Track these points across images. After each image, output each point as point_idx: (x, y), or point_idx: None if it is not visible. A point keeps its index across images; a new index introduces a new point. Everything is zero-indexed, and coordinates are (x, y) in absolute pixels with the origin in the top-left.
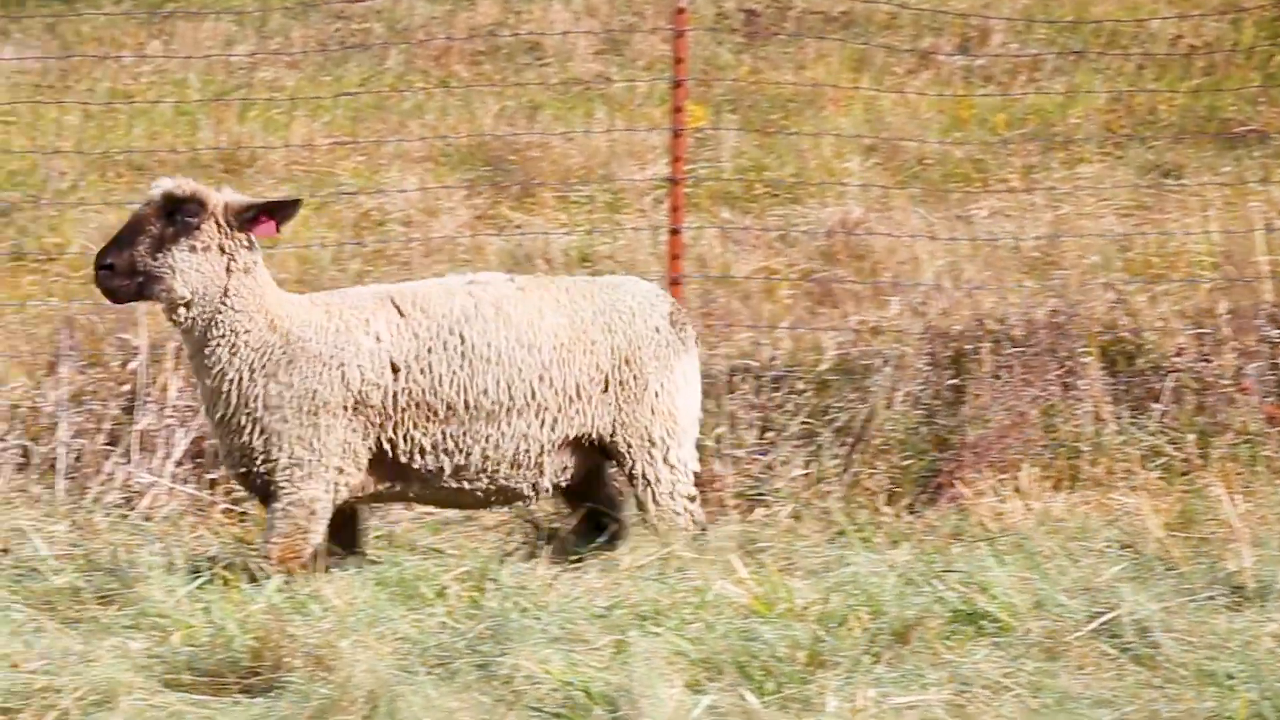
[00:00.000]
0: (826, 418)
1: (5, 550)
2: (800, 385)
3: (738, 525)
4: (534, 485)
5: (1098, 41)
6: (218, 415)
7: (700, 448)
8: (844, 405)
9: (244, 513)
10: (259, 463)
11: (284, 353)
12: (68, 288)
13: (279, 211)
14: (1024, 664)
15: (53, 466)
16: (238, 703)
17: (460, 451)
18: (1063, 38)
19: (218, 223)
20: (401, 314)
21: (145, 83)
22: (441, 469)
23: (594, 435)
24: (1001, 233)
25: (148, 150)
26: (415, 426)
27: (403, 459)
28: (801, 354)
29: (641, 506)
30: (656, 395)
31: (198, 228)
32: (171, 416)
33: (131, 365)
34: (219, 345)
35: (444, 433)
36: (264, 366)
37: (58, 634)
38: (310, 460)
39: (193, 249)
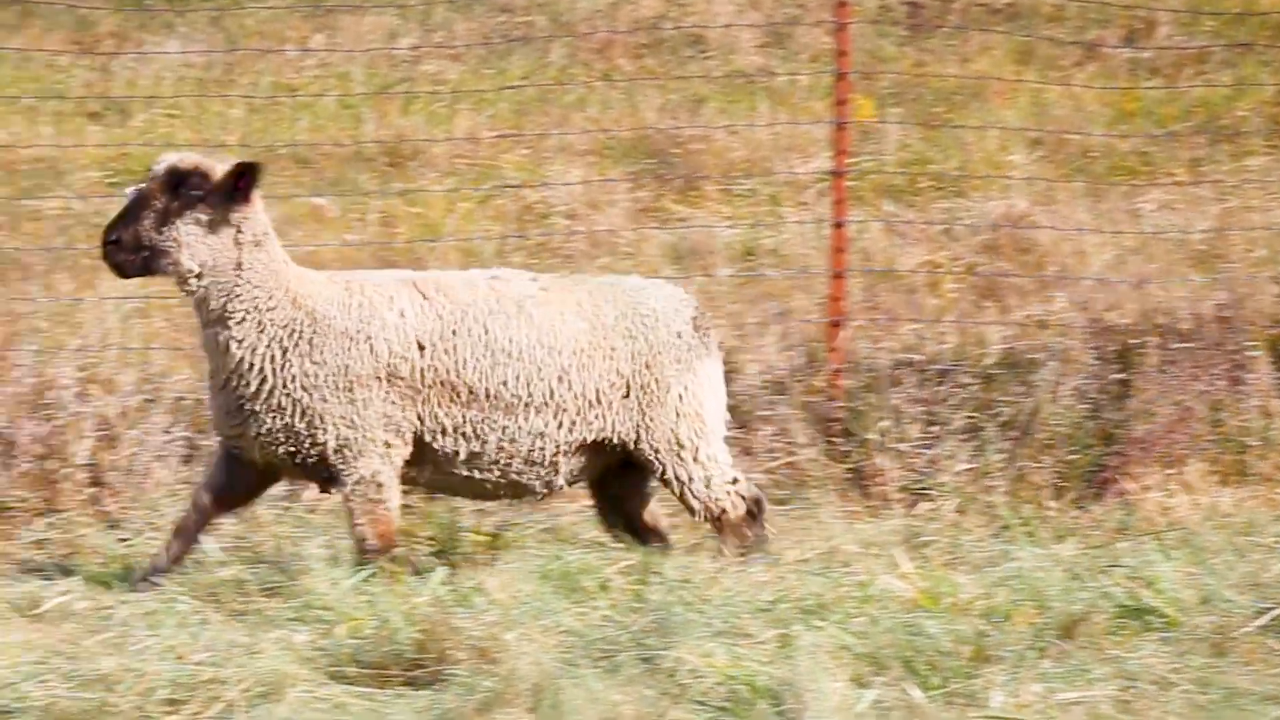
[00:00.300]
0: (991, 412)
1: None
2: (965, 379)
3: (902, 519)
4: (546, 483)
5: (1265, 33)
6: (245, 391)
7: (864, 441)
8: (1009, 399)
9: (408, 505)
10: (306, 445)
11: (313, 330)
12: None
13: (245, 175)
14: (1191, 660)
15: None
16: (402, 695)
17: (477, 438)
18: (1229, 30)
19: (222, 195)
20: (424, 296)
21: (309, 76)
22: (457, 453)
23: (616, 440)
24: (1168, 226)
25: (311, 144)
26: (439, 405)
27: (425, 437)
28: (966, 348)
29: (684, 505)
30: (680, 398)
31: (202, 199)
32: None
33: None
34: (245, 320)
35: (465, 416)
36: (296, 345)
37: (223, 626)
38: (357, 438)
39: (198, 221)
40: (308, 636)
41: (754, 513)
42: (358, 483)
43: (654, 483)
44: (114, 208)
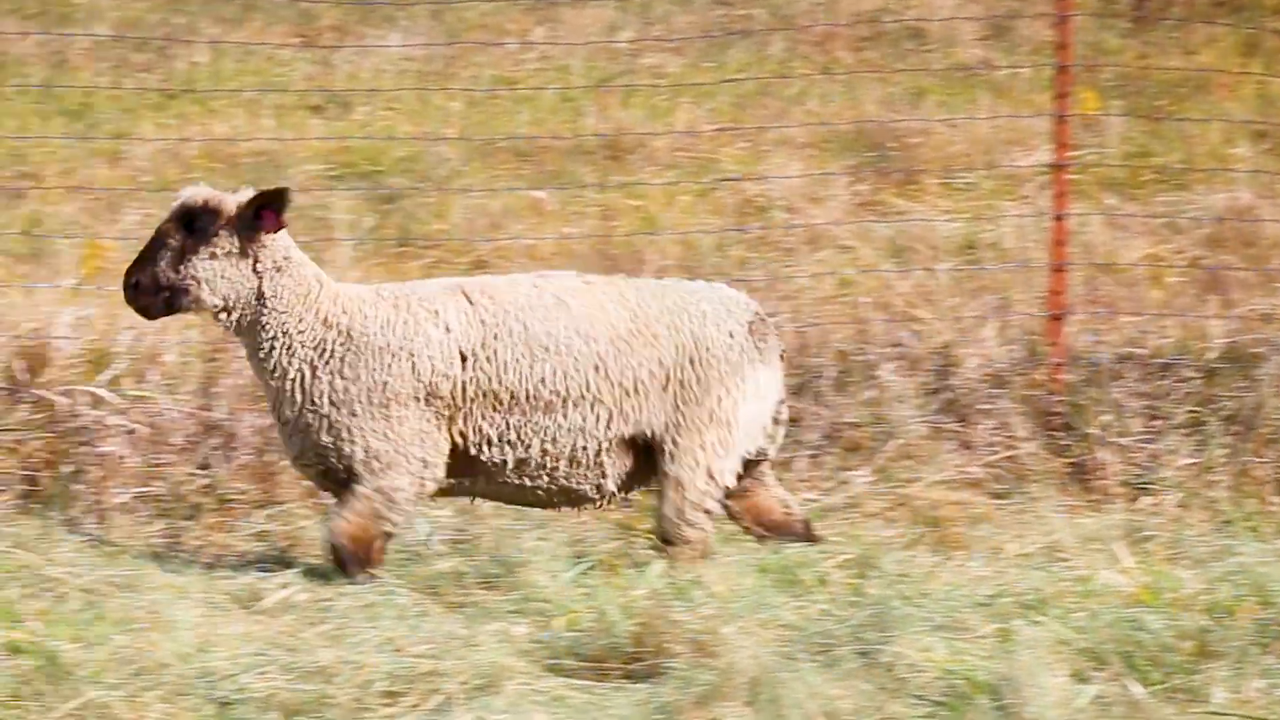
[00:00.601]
0: (1214, 406)
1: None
2: (1187, 373)
3: (1123, 514)
4: (597, 487)
5: None
6: (285, 416)
7: (1084, 436)
8: (1232, 394)
9: (625, 498)
10: (333, 459)
11: (346, 347)
12: (452, 274)
13: (272, 202)
14: None
15: None
16: (620, 688)
17: (521, 444)
18: None
19: (235, 228)
20: (470, 302)
21: (529, 69)
22: (505, 462)
23: (648, 433)
24: None
25: (530, 137)
26: (483, 416)
27: (472, 450)
28: (1188, 342)
29: (660, 504)
30: (719, 401)
31: (215, 234)
32: None
33: None
34: (274, 347)
35: (508, 423)
36: (326, 363)
37: (442, 618)
38: (388, 450)
39: (213, 256)
40: (526, 629)
41: (705, 554)
42: (376, 489)
43: (769, 470)
44: (334, 200)
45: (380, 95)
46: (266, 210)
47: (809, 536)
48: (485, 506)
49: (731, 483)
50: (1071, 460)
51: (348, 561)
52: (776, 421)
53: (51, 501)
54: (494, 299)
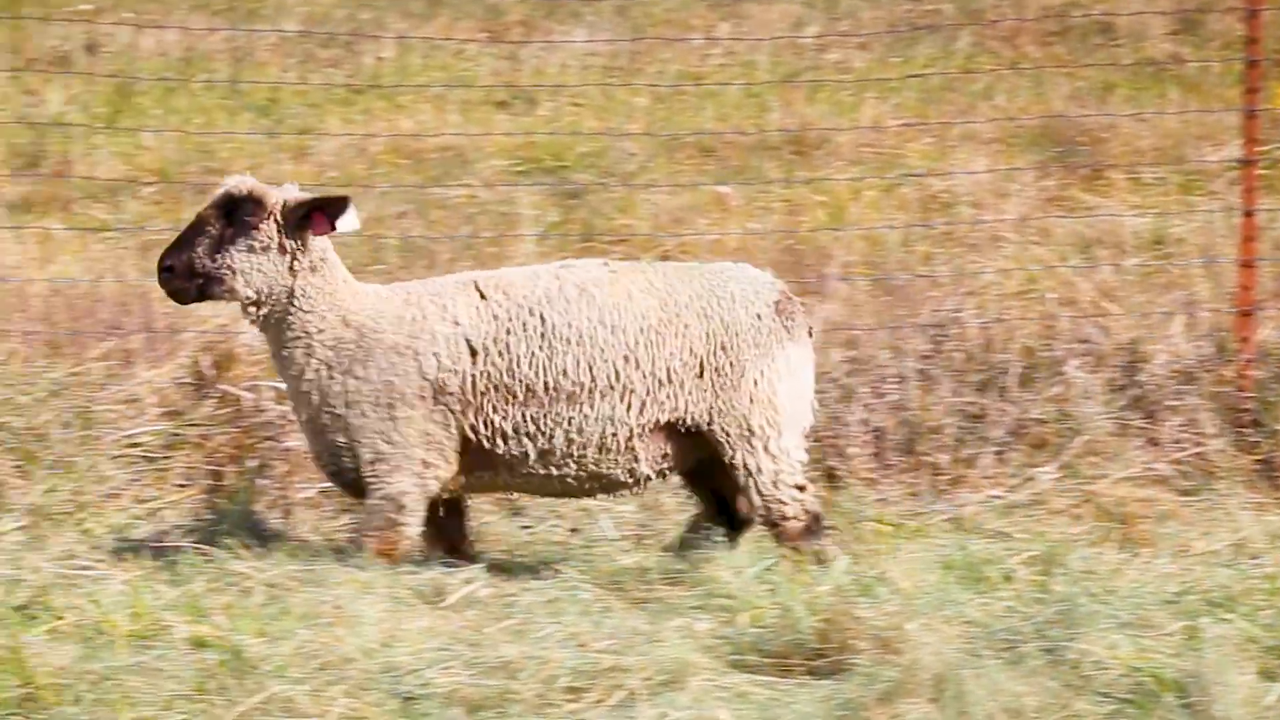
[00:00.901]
0: None
1: (575, 530)
2: None
3: None
4: (630, 471)
5: None
6: (304, 415)
7: (1274, 432)
8: None
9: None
10: (346, 460)
11: (359, 347)
12: None
13: (328, 207)
14: None
15: None
16: (804, 685)
17: (543, 435)
18: None
19: (277, 222)
20: (483, 297)
21: (714, 65)
22: (526, 454)
23: (689, 421)
24: None
25: (715, 133)
26: (495, 410)
27: (485, 445)
28: None
29: (748, 497)
30: (755, 383)
31: (255, 227)
32: None
33: None
34: (295, 346)
35: (524, 415)
36: (341, 363)
37: (625, 614)
38: (392, 454)
39: (251, 249)
40: (710, 625)
41: (811, 528)
42: (382, 497)
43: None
44: (519, 196)
45: (565, 91)
46: (319, 214)
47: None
48: (668, 501)
49: (802, 457)
50: (1260, 457)
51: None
52: None
53: (237, 496)
54: (508, 293)
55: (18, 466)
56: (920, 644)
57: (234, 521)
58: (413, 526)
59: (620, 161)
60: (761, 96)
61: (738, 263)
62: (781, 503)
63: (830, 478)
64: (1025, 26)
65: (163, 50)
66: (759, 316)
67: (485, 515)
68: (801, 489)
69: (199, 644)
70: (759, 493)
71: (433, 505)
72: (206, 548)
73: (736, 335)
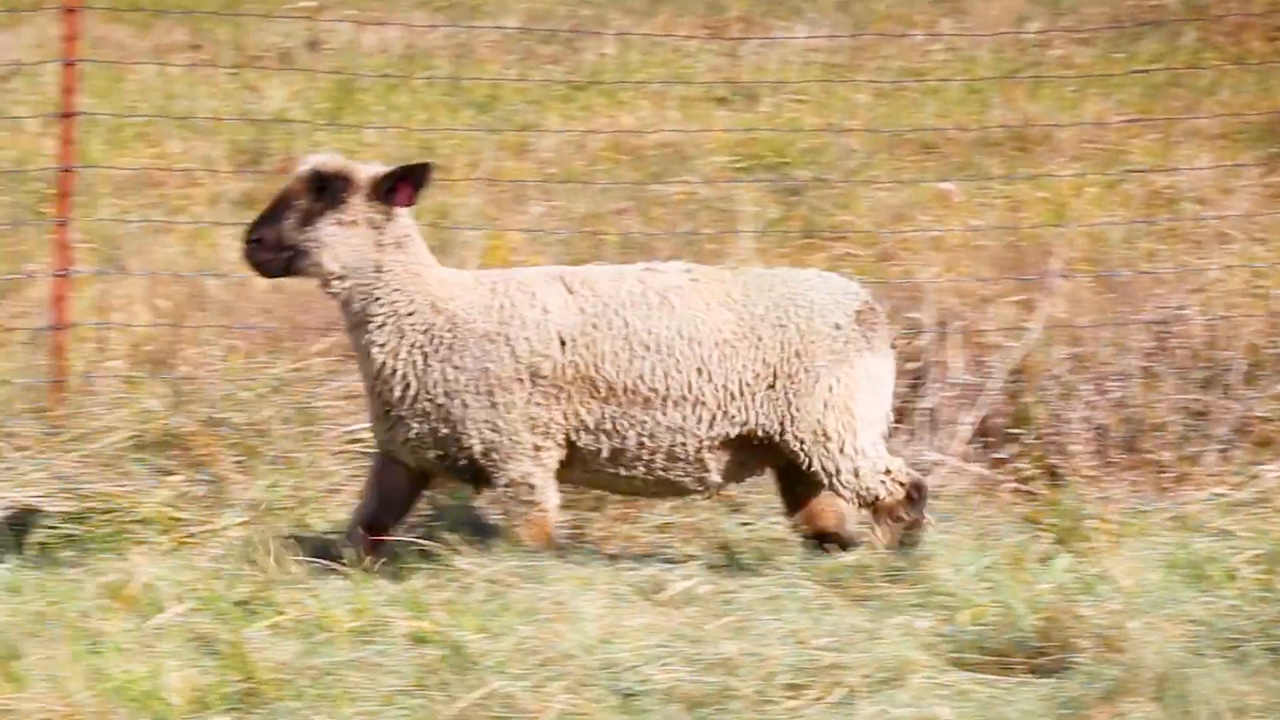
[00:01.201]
0: None
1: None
2: None
3: None
4: (700, 480)
5: None
6: (390, 397)
7: None
8: None
9: (1031, 492)
10: (454, 450)
11: (453, 335)
12: (857, 265)
13: (412, 177)
14: None
15: None
16: (1024, 683)
17: (617, 435)
18: None
19: (365, 197)
20: (570, 291)
21: (936, 61)
22: (600, 451)
23: (761, 433)
24: None
25: (936, 129)
26: (580, 402)
27: (570, 435)
28: None
29: (835, 494)
30: (831, 390)
31: (344, 202)
32: (959, 395)
33: (918, 343)
34: (384, 325)
35: (604, 413)
36: (437, 350)
37: (845, 611)
38: (502, 442)
39: (339, 223)
40: (930, 623)
41: (913, 497)
42: (508, 486)
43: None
44: (739, 192)
45: (786, 87)
46: (404, 183)
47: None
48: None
49: (881, 452)
50: None
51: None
52: None
53: (457, 492)
54: (594, 290)
55: (239, 462)
56: (1142, 643)
57: (454, 517)
58: (550, 503)
59: (841, 158)
60: (983, 92)
61: (825, 271)
62: (868, 488)
63: (1052, 475)
64: (1251, 21)
65: (384, 47)
66: (838, 325)
67: (704, 513)
68: (888, 472)
69: (419, 640)
70: (843, 486)
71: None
72: (427, 543)
73: (812, 343)
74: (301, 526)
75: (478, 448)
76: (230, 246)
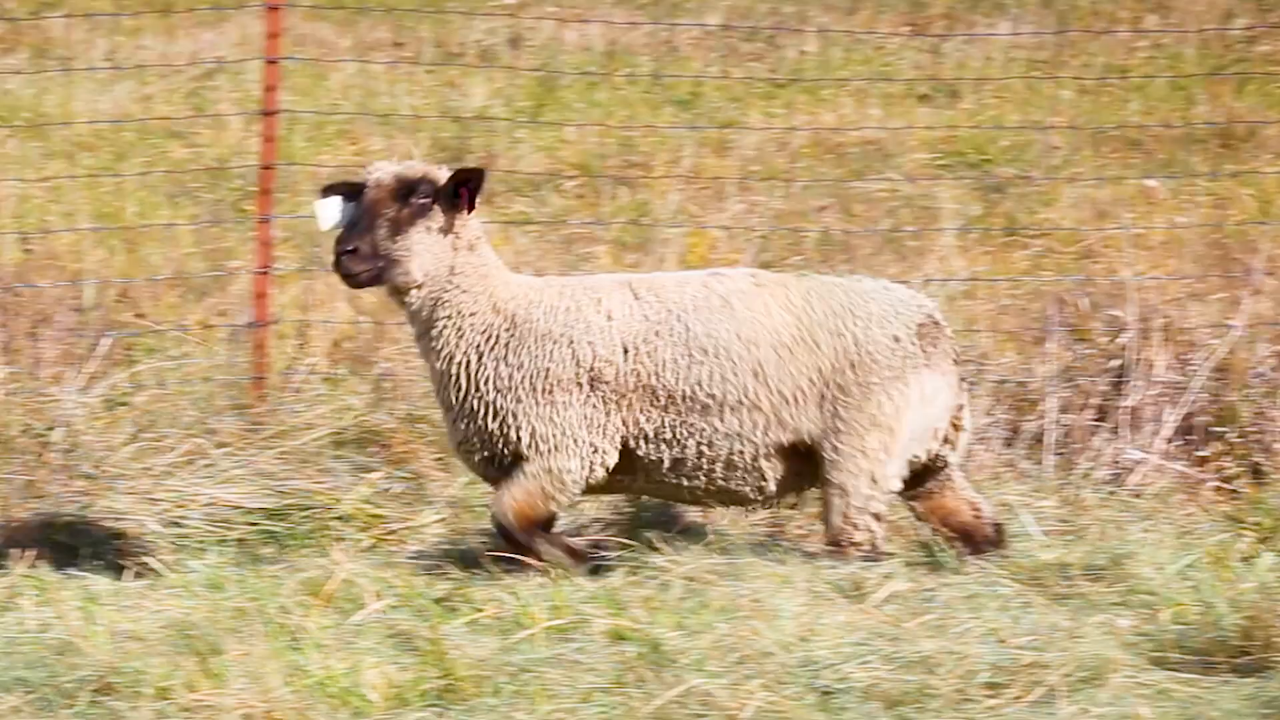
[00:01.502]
0: None
1: (996, 525)
2: None
3: None
4: (758, 489)
5: None
6: (448, 399)
7: None
8: None
9: (1234, 490)
10: (500, 446)
11: (511, 333)
12: (1059, 263)
13: (468, 181)
14: None
15: (1040, 442)
16: (1227, 682)
17: (678, 444)
18: None
19: (445, 201)
20: (636, 297)
21: (1140, 57)
22: (661, 460)
23: (808, 439)
24: None
25: (1141, 125)
26: (641, 411)
27: (630, 444)
28: None
29: (828, 514)
30: (880, 405)
31: (430, 208)
32: (1161, 393)
33: (1120, 340)
34: (445, 327)
35: (664, 421)
36: (492, 349)
37: (1045, 610)
38: (555, 434)
39: (427, 230)
40: (1131, 622)
41: (869, 558)
42: (544, 469)
43: (956, 473)
44: (941, 189)
45: (989, 84)
46: (464, 188)
47: (998, 540)
48: (1090, 497)
49: (897, 487)
50: None
51: (510, 539)
52: (957, 427)
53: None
54: (659, 297)
55: (438, 459)
56: None
57: (652, 515)
58: (558, 504)
59: (1043, 155)
60: (1188, 89)
61: (891, 282)
62: (857, 528)
63: (1255, 473)
64: None
65: (586, 44)
66: (896, 339)
67: (904, 511)
68: (878, 519)
69: (617, 637)
70: (844, 515)
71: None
72: (625, 541)
73: (869, 355)
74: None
75: (526, 439)
76: None
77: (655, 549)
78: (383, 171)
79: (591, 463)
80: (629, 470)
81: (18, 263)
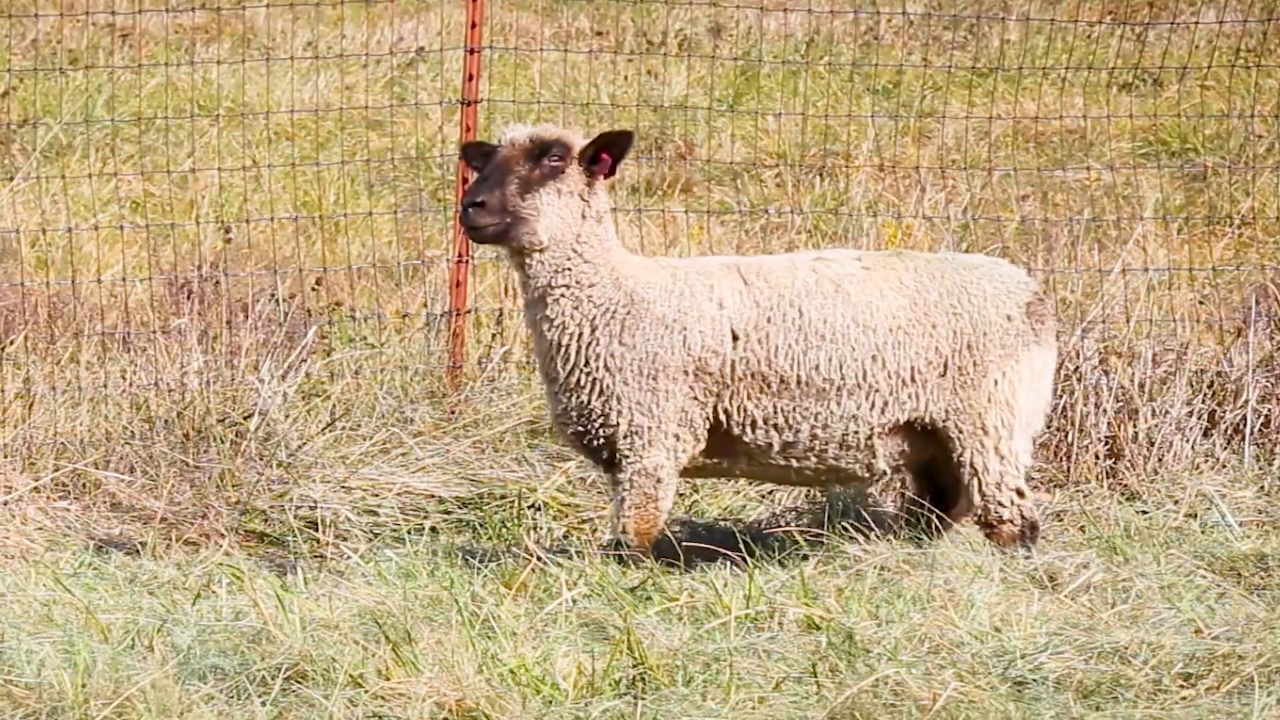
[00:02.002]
0: None
1: (1192, 515)
2: None
3: None
4: (868, 466)
5: None
6: (555, 371)
7: None
8: None
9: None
10: (597, 426)
11: (628, 312)
12: (1261, 252)
13: (613, 145)
14: None
15: (1239, 432)
16: None
17: (790, 428)
18: None
19: (579, 167)
20: (745, 282)
21: None
22: (770, 444)
23: (927, 419)
24: None
25: None
26: (749, 398)
27: (735, 430)
28: None
29: (968, 496)
30: (996, 384)
31: (563, 171)
32: None
33: None
34: (563, 297)
35: (776, 406)
36: (607, 325)
37: (1242, 600)
38: (650, 427)
39: (558, 193)
40: None
41: (1026, 535)
42: (638, 473)
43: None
44: (1143, 179)
45: (1194, 72)
46: (607, 152)
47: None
48: None
49: (1028, 461)
50: None
51: (634, 555)
52: None
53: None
54: (769, 282)
55: None
56: None
57: (845, 504)
58: (667, 500)
59: (1247, 144)
60: None
61: (995, 258)
62: (1001, 505)
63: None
64: None
65: (787, 33)
66: (1009, 318)
67: (1098, 501)
68: (1021, 495)
69: (810, 626)
70: (981, 493)
71: None
72: (818, 531)
73: (984, 335)
74: (695, 513)
75: (624, 428)
76: (628, 233)
77: (849, 538)
78: (518, 131)
79: (675, 451)
80: (730, 455)
81: (217, 251)
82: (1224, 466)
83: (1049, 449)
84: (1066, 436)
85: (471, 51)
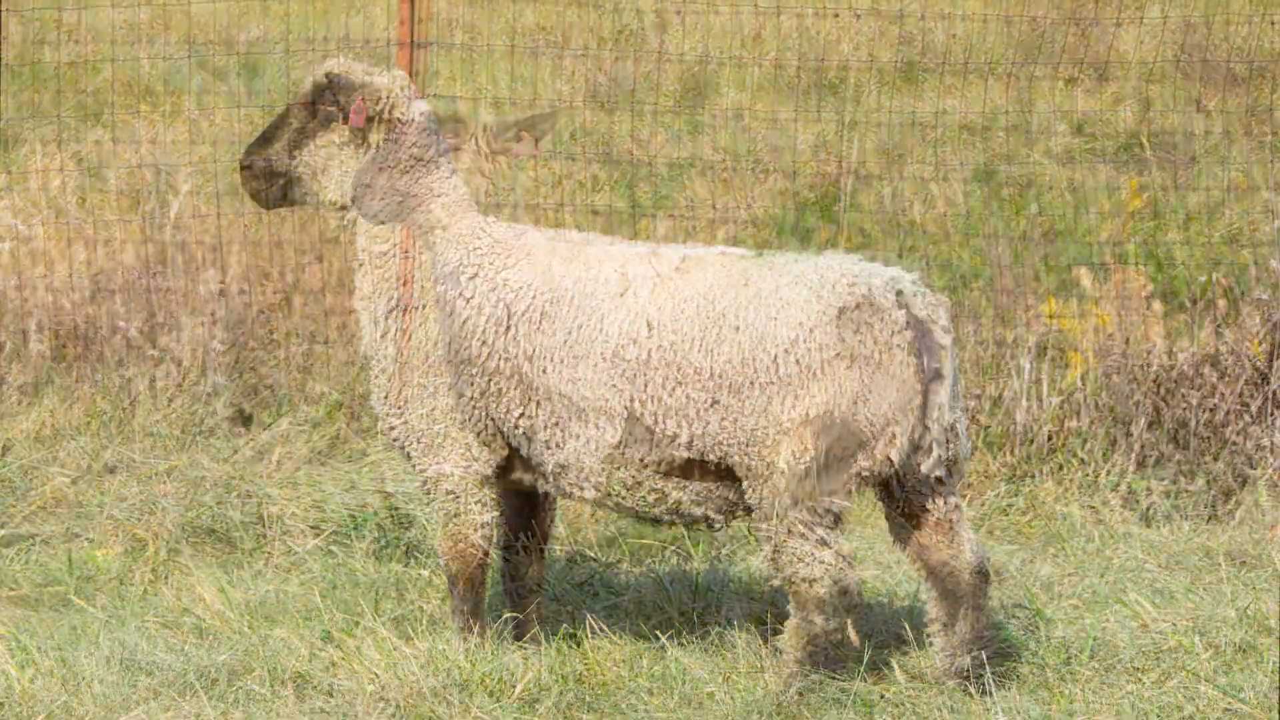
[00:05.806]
0: None
1: (1136, 509)
2: None
3: None
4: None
5: None
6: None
7: None
8: None
9: None
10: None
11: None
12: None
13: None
14: None
15: (1185, 426)
16: None
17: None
18: None
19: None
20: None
21: None
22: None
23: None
24: None
25: None
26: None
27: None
28: None
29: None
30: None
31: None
32: None
33: None
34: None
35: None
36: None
37: (1187, 594)
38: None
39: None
40: None
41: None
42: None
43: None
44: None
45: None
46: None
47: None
48: None
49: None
50: None
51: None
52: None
53: None
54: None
55: None
56: None
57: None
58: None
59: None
60: None
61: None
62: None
63: None
64: None
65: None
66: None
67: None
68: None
69: (759, 622)
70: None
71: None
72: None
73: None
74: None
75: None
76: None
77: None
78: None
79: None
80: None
81: (158, 248)
82: (1169, 461)
83: (996, 443)
84: (1009, 431)
85: (401, 46)
